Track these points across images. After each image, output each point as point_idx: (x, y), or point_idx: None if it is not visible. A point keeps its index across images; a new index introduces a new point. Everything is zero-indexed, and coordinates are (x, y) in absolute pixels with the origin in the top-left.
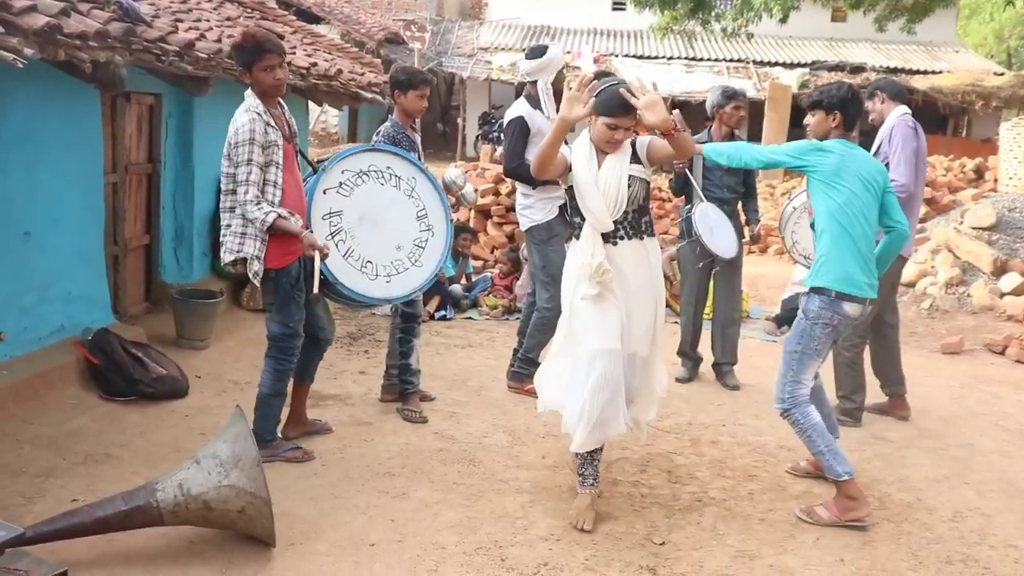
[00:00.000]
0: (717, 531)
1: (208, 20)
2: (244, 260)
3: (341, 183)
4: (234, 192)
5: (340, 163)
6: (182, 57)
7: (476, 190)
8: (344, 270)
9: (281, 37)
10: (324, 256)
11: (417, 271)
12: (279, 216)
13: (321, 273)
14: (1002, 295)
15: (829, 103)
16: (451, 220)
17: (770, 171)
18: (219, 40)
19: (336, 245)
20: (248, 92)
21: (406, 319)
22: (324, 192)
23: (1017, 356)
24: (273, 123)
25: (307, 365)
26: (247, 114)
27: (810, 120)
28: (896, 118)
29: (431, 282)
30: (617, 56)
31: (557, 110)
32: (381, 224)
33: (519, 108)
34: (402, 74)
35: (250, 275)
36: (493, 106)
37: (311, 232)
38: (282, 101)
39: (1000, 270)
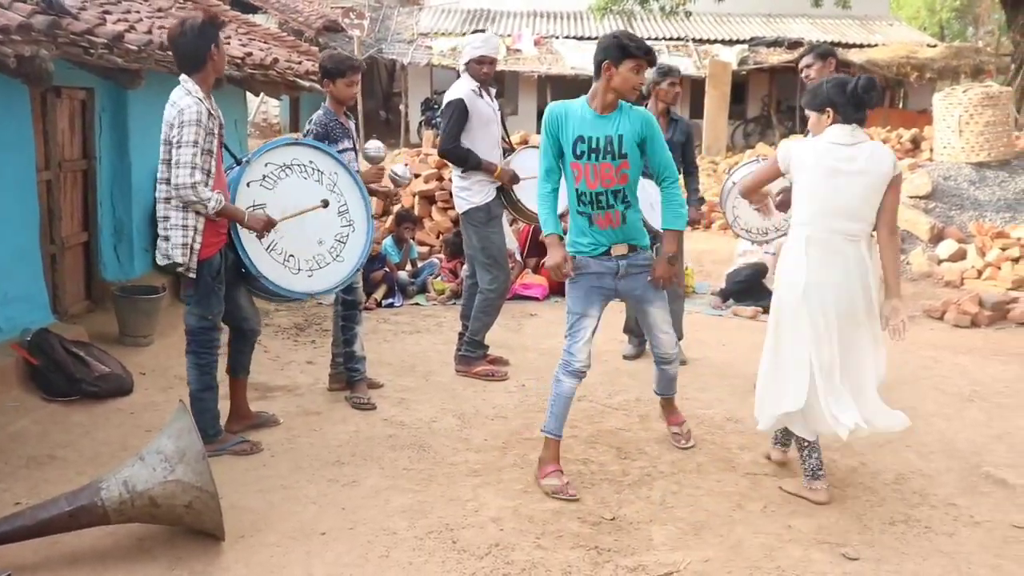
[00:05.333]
0: (666, 504)
1: (138, 11)
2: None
3: (264, 176)
4: (168, 181)
5: (263, 156)
6: (111, 50)
7: (406, 164)
8: (267, 264)
9: None
10: (272, 226)
11: (338, 266)
12: (225, 203)
13: (244, 267)
14: (940, 262)
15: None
16: (372, 215)
17: (712, 148)
18: (149, 32)
19: (259, 239)
20: (184, 78)
21: (347, 307)
22: (247, 185)
23: (955, 320)
24: (212, 111)
25: (239, 358)
26: (190, 97)
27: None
28: None
29: (352, 276)
30: (557, 38)
31: (488, 95)
32: (303, 218)
33: (459, 90)
34: (330, 62)
35: (186, 269)
36: (435, 92)
37: (253, 213)
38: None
39: (937, 237)
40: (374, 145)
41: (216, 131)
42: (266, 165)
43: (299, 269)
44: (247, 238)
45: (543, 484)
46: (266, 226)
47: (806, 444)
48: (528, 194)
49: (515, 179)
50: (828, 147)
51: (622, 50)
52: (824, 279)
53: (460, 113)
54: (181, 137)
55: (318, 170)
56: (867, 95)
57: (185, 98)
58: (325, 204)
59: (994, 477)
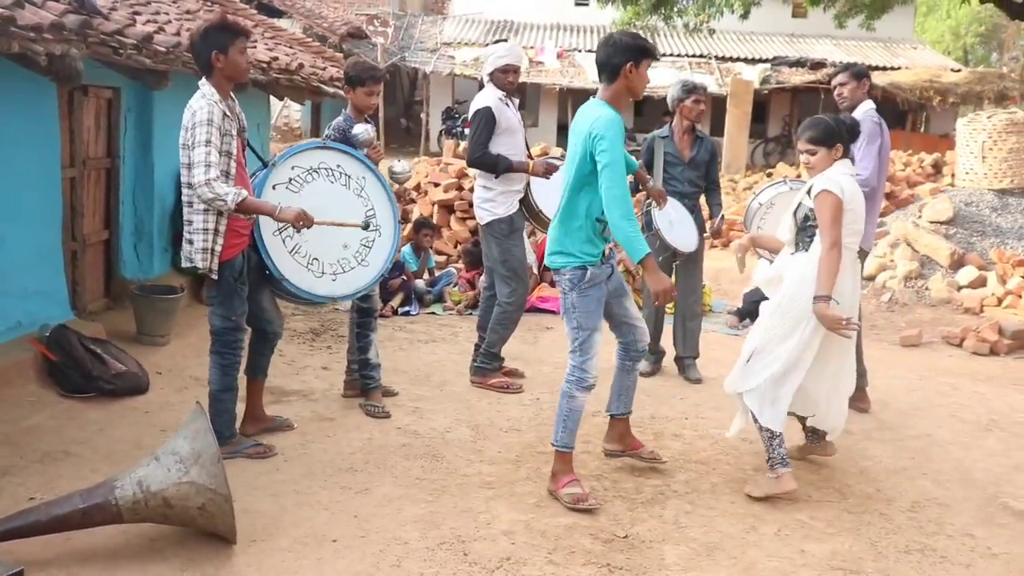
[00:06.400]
0: (679, 524)
1: (167, 13)
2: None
3: (291, 179)
4: (190, 185)
5: (290, 159)
6: (140, 50)
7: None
8: (290, 266)
9: None
10: (310, 223)
11: (363, 270)
12: (247, 196)
13: (267, 269)
14: (959, 288)
15: None
16: (399, 221)
17: (732, 166)
18: (178, 33)
19: (283, 241)
20: (202, 82)
21: (362, 314)
22: (273, 187)
23: (974, 348)
24: (229, 113)
25: (258, 360)
26: (204, 100)
27: None
28: (863, 113)
29: (377, 282)
30: (580, 51)
31: (513, 104)
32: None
33: (486, 98)
34: (352, 70)
35: (208, 271)
36: (457, 101)
37: (285, 206)
38: (232, 94)
39: (957, 263)
40: (401, 165)
41: (234, 133)
42: (293, 168)
43: (323, 273)
44: (270, 241)
45: (563, 493)
46: (298, 218)
47: (777, 434)
48: (550, 205)
49: (551, 169)
50: (853, 179)
51: (643, 51)
52: (854, 286)
53: (488, 121)
54: (195, 138)
55: (346, 174)
56: (859, 135)
57: (199, 100)
58: (365, 226)
59: (1012, 508)
